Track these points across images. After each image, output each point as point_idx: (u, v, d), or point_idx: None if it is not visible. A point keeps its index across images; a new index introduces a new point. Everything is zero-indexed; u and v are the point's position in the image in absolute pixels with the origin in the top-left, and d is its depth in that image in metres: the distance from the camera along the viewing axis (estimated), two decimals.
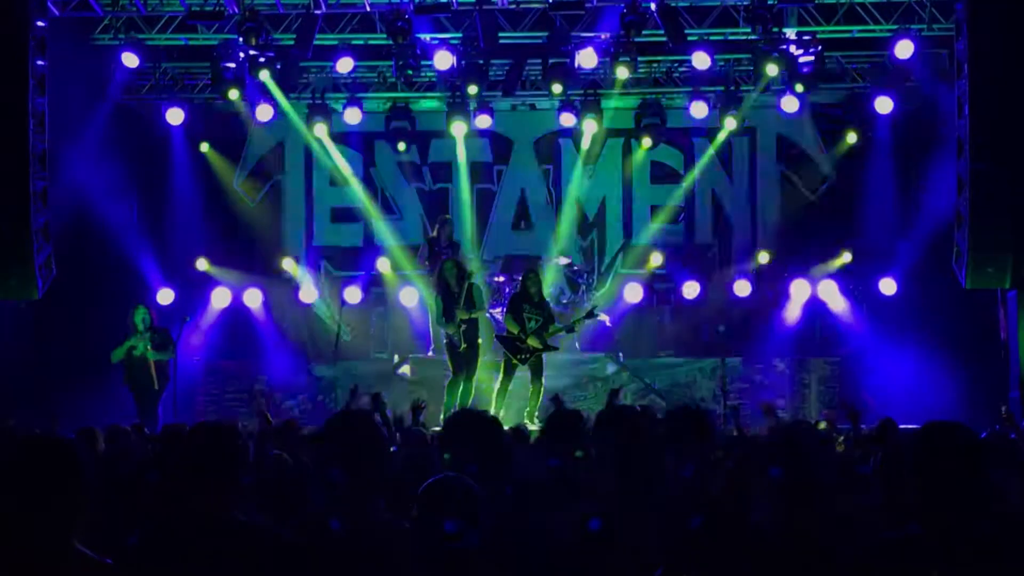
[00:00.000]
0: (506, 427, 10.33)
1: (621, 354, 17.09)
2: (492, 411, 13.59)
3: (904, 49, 16.27)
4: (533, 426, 12.91)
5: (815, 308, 18.00)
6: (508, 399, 14.33)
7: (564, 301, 16.94)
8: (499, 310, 15.62)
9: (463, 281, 13.80)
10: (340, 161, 18.76)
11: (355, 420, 4.62)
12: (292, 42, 16.42)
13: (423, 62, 17.01)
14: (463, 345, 13.86)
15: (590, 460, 4.85)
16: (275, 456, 6.13)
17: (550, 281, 17.45)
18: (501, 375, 14.02)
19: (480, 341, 14.20)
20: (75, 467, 3.94)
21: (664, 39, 16.13)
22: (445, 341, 14.21)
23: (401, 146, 18.39)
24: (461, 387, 13.87)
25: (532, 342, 13.79)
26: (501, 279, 17.09)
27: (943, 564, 3.80)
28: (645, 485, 4.49)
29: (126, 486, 5.80)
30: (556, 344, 14.41)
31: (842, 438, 8.80)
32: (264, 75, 16.57)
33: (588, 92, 17.92)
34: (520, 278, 14.68)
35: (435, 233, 16.67)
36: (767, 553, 3.99)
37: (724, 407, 15.35)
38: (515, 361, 13.87)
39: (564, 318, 15.38)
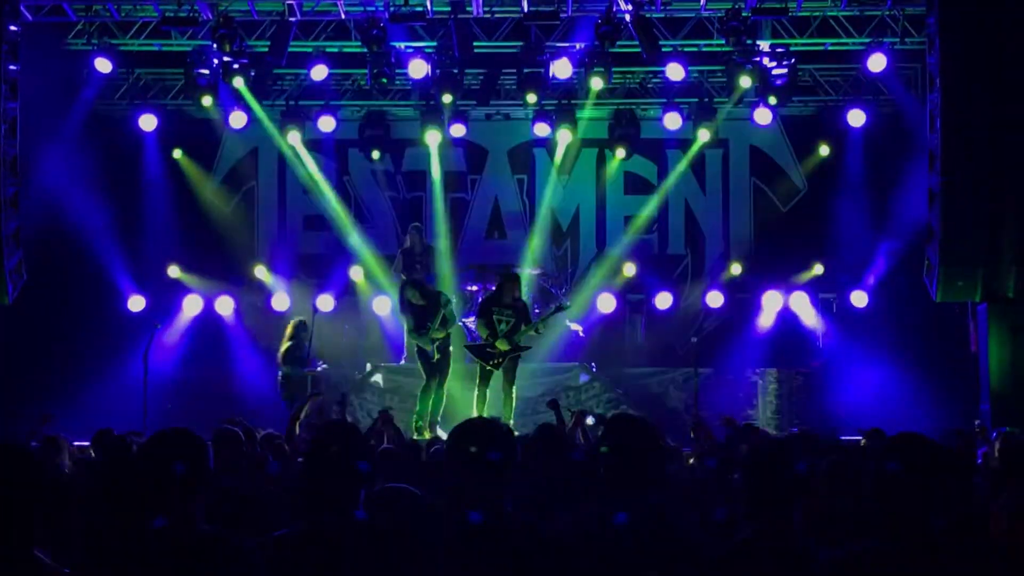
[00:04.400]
0: None
1: (594, 364, 17.08)
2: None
3: (877, 62, 16.37)
4: None
5: (787, 320, 18.06)
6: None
7: (537, 311, 16.92)
8: (471, 319, 15.61)
9: (428, 299, 13.81)
10: (313, 169, 18.74)
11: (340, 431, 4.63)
12: (266, 49, 16.39)
13: (398, 70, 16.99)
14: (436, 356, 13.87)
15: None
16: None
17: (523, 291, 17.45)
18: (478, 382, 14.01)
19: (451, 349, 14.20)
20: (34, 475, 3.93)
21: (638, 50, 16.17)
22: (417, 353, 14.20)
23: (375, 154, 18.37)
24: (433, 394, 13.86)
25: (501, 345, 13.75)
26: (474, 288, 17.07)
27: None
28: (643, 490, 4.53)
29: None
30: (528, 344, 14.35)
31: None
32: (238, 82, 16.53)
33: (562, 102, 17.95)
34: (496, 281, 14.66)
35: (407, 243, 16.68)
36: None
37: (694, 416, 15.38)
38: (488, 367, 13.87)
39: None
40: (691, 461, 9.49)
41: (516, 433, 4.64)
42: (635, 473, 4.50)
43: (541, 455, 6.58)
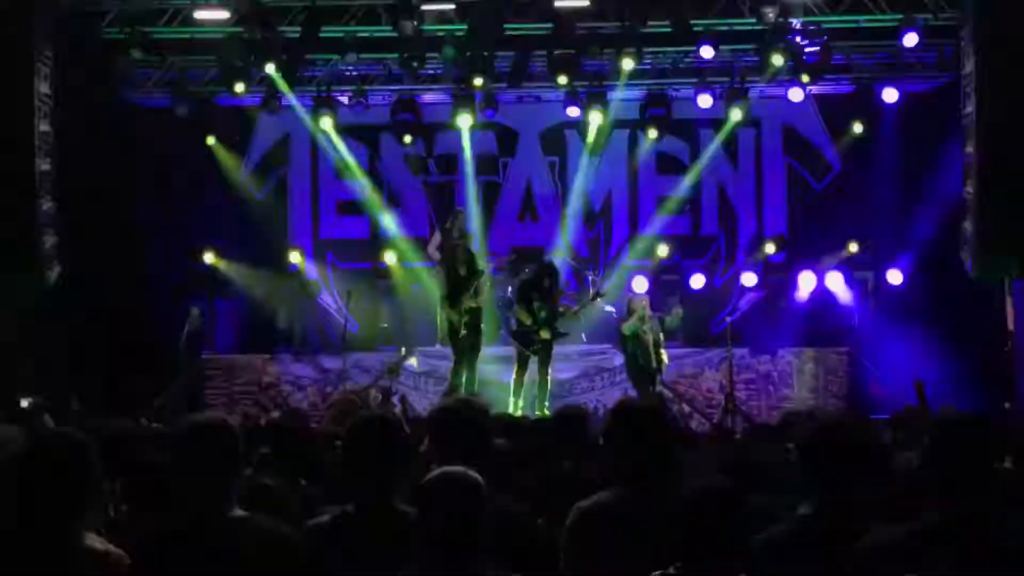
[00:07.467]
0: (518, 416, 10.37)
1: None
2: (511, 402, 13.64)
3: (910, 39, 16.23)
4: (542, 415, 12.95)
5: (822, 299, 17.97)
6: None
7: (570, 293, 16.92)
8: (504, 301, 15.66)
9: (471, 269, 13.85)
10: (346, 154, 18.76)
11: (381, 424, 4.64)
12: (297, 35, 16.43)
13: (428, 54, 16.99)
14: (464, 332, 13.88)
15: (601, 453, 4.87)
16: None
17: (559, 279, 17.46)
18: (516, 367, 14.07)
19: (483, 326, 14.23)
20: (86, 462, 3.97)
21: (670, 30, 16.10)
22: (448, 330, 14.22)
23: (407, 139, 18.37)
24: (465, 374, 13.88)
25: (544, 333, 13.84)
26: (505, 270, 17.07)
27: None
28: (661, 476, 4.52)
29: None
30: (567, 331, 14.43)
31: None
32: (270, 68, 16.58)
33: (594, 83, 17.89)
34: (535, 268, 14.71)
35: (448, 224, 16.69)
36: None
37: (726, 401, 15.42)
38: (528, 352, 13.93)
39: (569, 309, 15.34)
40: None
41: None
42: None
43: (556, 440, 6.34)
